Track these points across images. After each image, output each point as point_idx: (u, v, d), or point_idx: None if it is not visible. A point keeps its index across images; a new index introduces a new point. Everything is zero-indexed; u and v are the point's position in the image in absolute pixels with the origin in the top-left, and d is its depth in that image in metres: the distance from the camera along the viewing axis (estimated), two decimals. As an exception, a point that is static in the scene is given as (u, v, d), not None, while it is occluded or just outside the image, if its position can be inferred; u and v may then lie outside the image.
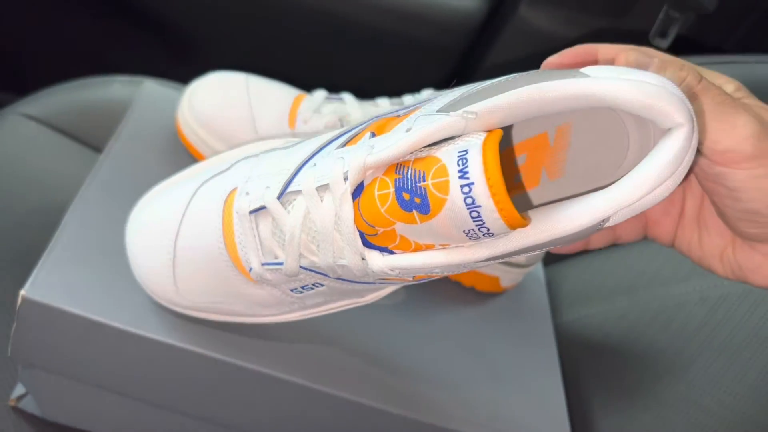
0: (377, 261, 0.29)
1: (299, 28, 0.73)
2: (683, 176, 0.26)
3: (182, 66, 0.70)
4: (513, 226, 0.26)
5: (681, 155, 0.25)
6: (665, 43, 0.59)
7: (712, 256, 0.33)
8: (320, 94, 0.46)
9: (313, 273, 0.32)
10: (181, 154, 0.46)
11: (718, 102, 0.28)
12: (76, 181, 0.44)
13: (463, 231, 0.26)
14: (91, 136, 0.59)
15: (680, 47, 0.63)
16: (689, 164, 0.26)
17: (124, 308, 0.36)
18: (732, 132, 0.28)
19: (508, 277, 0.48)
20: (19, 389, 0.41)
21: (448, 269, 0.29)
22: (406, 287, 0.44)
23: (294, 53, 0.75)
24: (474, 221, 0.26)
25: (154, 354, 0.36)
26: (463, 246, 0.28)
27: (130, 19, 0.76)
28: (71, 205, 0.39)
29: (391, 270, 0.29)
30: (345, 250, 0.29)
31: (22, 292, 0.34)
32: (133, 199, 0.38)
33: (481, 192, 0.25)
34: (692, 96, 0.28)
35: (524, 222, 0.26)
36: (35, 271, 0.35)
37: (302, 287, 0.33)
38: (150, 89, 0.51)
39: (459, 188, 0.25)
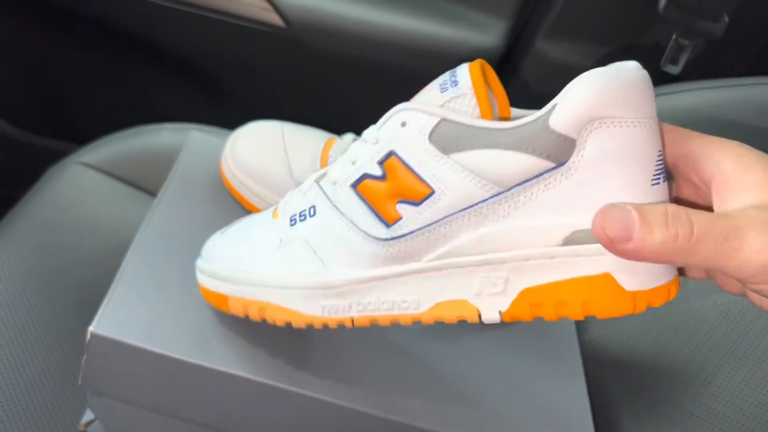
0: None
1: (328, 73, 0.78)
2: None
3: (224, 112, 0.75)
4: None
5: None
6: (676, 69, 0.61)
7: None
8: (349, 137, 0.50)
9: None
10: (226, 198, 0.51)
11: (721, 241, 0.27)
12: (133, 223, 0.49)
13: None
14: (144, 182, 0.64)
15: (691, 72, 0.65)
16: None
17: (184, 340, 0.39)
18: (750, 262, 0.27)
19: None
20: (88, 415, 0.45)
21: None
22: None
23: (325, 98, 0.79)
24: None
25: (213, 382, 0.39)
26: None
27: (177, 71, 0.82)
28: (131, 246, 0.44)
29: None
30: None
31: (91, 328, 0.38)
32: (186, 240, 0.42)
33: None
34: (690, 250, 0.28)
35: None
36: (101, 309, 0.39)
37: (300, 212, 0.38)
38: (196, 137, 0.56)
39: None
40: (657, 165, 0.31)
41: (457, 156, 0.33)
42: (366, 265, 0.36)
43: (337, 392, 0.40)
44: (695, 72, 0.64)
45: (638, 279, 0.32)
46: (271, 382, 0.39)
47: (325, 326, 0.37)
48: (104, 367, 0.40)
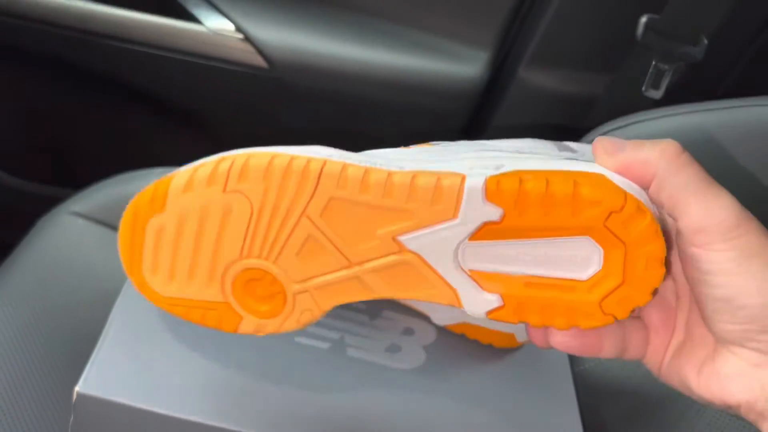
0: None
1: (313, 111, 0.79)
2: None
3: (213, 153, 0.76)
4: None
5: None
6: (658, 94, 0.62)
7: (691, 369, 0.31)
8: None
9: None
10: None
11: (701, 178, 0.28)
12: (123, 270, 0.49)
13: None
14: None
15: (673, 95, 0.65)
16: None
17: (171, 395, 0.39)
18: (710, 212, 0.28)
19: (522, 333, 0.50)
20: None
21: None
22: (426, 349, 0.47)
23: (311, 135, 0.80)
24: None
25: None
26: None
27: (166, 115, 0.83)
28: (116, 301, 0.44)
29: None
30: None
31: (77, 388, 0.38)
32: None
33: None
34: (674, 169, 0.29)
35: None
36: (87, 368, 0.39)
37: None
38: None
39: None
40: None
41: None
42: None
43: None
44: (678, 96, 0.64)
45: (629, 187, 0.31)
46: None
47: (289, 167, 0.33)
48: (92, 427, 0.40)
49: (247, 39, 0.73)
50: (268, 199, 0.33)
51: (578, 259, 0.32)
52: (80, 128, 0.85)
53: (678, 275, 0.33)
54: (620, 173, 0.30)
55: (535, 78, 0.73)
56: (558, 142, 0.36)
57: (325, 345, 0.45)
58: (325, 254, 0.34)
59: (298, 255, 0.34)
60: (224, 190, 0.33)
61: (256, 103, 0.78)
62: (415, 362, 0.47)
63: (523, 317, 0.33)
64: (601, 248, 0.31)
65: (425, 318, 0.49)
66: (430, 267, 0.33)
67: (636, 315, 0.34)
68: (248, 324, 0.37)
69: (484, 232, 0.32)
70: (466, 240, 0.32)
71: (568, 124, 0.73)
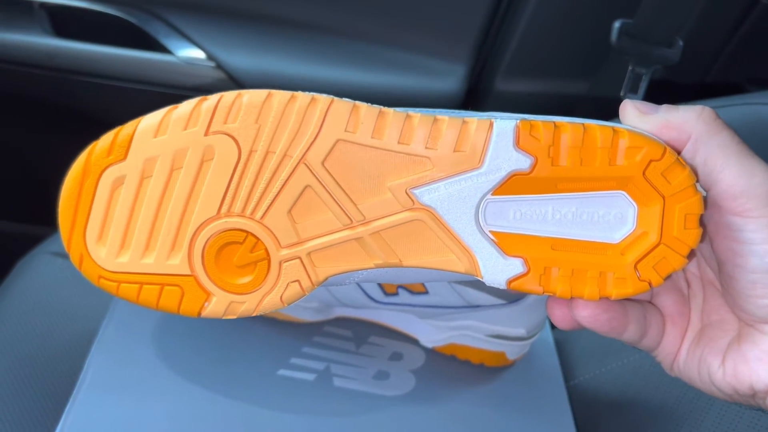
0: None
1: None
2: None
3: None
4: None
5: None
6: (637, 98, 0.61)
7: (714, 358, 0.30)
8: None
9: None
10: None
11: (738, 141, 0.27)
12: (104, 308, 0.48)
13: None
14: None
15: (654, 97, 0.65)
16: None
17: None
18: (751, 175, 0.27)
19: (513, 351, 0.49)
20: None
21: None
22: (415, 373, 0.46)
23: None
24: None
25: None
26: None
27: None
28: (93, 344, 0.43)
29: None
30: None
31: (53, 438, 0.37)
32: (150, 333, 0.41)
33: None
34: (712, 131, 0.27)
35: None
36: (64, 416, 0.38)
37: None
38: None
39: None
40: None
41: None
42: None
43: None
44: (657, 98, 0.63)
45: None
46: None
47: (288, 106, 0.29)
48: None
49: (219, 67, 0.73)
50: (261, 141, 0.28)
51: (611, 218, 0.29)
52: (56, 165, 0.84)
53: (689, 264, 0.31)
54: (654, 132, 0.28)
55: (513, 88, 0.73)
56: None
57: (310, 377, 0.44)
58: (324, 211, 0.29)
59: (290, 212, 0.29)
60: (207, 132, 0.28)
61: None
62: (404, 388, 0.46)
63: (548, 287, 0.30)
64: (636, 204, 0.29)
65: (413, 341, 0.49)
66: (445, 227, 0.29)
67: (649, 300, 0.33)
68: (218, 303, 0.30)
69: (511, 184, 0.29)
70: (490, 194, 0.29)
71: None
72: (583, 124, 0.28)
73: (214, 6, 0.73)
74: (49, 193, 0.88)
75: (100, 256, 0.30)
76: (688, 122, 0.28)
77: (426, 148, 0.28)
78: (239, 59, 0.73)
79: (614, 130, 0.28)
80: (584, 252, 0.29)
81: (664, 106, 0.29)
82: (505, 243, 0.30)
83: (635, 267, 0.29)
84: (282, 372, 0.43)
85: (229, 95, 0.28)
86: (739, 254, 0.27)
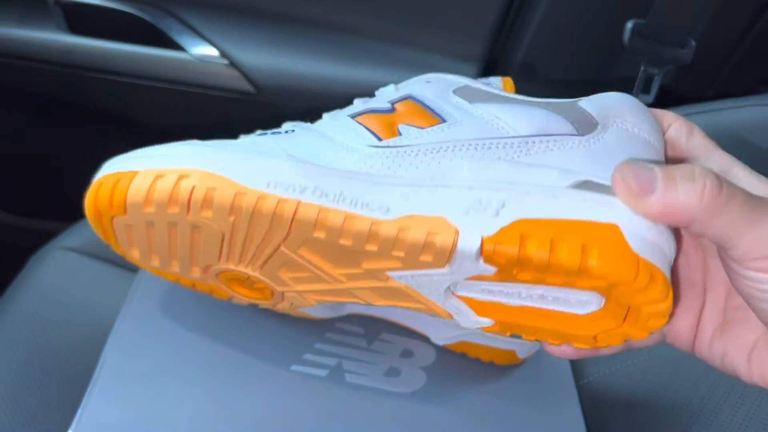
0: None
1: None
2: None
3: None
4: None
5: None
6: (649, 98, 0.61)
7: (738, 354, 0.30)
8: None
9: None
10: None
11: (748, 208, 0.26)
12: (118, 302, 0.48)
13: None
14: (125, 259, 0.64)
15: (665, 99, 0.65)
16: None
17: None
18: (766, 242, 0.25)
19: (523, 349, 0.50)
20: None
21: None
22: (426, 370, 0.47)
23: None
24: None
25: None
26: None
27: (155, 143, 0.83)
28: (108, 338, 0.43)
29: None
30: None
31: (69, 431, 0.38)
32: (168, 325, 0.42)
33: None
34: (717, 210, 0.26)
35: None
36: (80, 411, 0.39)
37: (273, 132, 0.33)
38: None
39: None
40: None
41: (479, 105, 0.32)
42: (338, 162, 0.30)
43: None
44: (669, 100, 0.64)
45: (646, 247, 0.27)
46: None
47: (257, 209, 0.29)
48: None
49: (233, 64, 0.73)
50: (238, 230, 0.30)
51: (578, 301, 0.30)
52: (69, 161, 0.85)
53: (712, 268, 0.31)
54: (650, 219, 0.27)
55: (524, 88, 0.73)
56: (575, 105, 0.33)
57: (323, 372, 0.44)
58: (309, 273, 0.32)
59: (280, 270, 0.32)
60: (188, 214, 0.29)
61: (245, 127, 0.78)
62: (415, 385, 0.46)
63: (515, 333, 0.33)
64: (604, 298, 0.30)
65: (424, 338, 0.49)
66: (420, 295, 0.32)
67: None
68: (240, 299, 0.36)
69: (478, 277, 0.29)
70: (461, 280, 0.30)
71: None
72: (551, 237, 0.27)
73: (228, 3, 0.74)
74: (63, 188, 0.89)
75: (135, 257, 0.34)
76: (689, 208, 0.26)
77: (393, 251, 0.29)
78: (252, 56, 0.73)
79: (583, 250, 0.27)
80: (551, 318, 0.31)
81: (661, 184, 0.26)
82: (477, 307, 0.32)
83: (595, 337, 0.31)
84: (295, 367, 0.43)
85: (200, 184, 0.28)
86: (758, 299, 0.27)
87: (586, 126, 0.30)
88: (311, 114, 0.75)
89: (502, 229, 0.27)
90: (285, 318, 0.47)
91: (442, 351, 0.49)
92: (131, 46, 0.73)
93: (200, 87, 0.74)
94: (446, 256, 0.28)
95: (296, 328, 0.46)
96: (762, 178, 0.29)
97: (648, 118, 0.31)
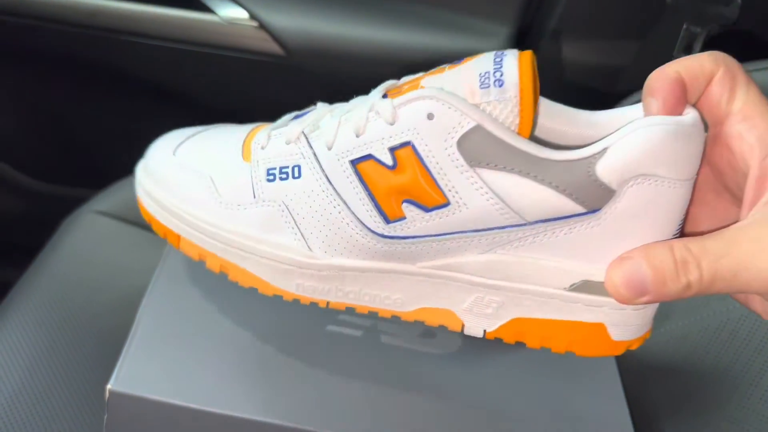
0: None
1: (332, 97, 0.76)
2: None
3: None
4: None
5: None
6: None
7: None
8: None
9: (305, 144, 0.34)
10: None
11: (731, 279, 0.27)
12: (151, 267, 0.48)
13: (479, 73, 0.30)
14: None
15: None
16: None
17: (204, 390, 0.38)
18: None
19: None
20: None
21: None
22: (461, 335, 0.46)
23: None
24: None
25: (238, 430, 0.38)
26: None
27: (185, 108, 0.82)
28: (144, 297, 0.43)
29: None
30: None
31: (109, 386, 0.38)
32: (200, 284, 0.42)
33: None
34: (704, 291, 0.28)
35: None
36: (118, 365, 0.39)
37: (281, 168, 0.34)
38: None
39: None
40: (681, 220, 0.31)
41: (484, 172, 0.30)
42: (355, 255, 0.34)
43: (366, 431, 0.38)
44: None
45: (628, 332, 0.33)
46: (295, 425, 0.38)
47: (296, 301, 0.37)
48: (126, 425, 0.39)
49: (262, 27, 0.72)
50: None
51: None
52: (98, 126, 0.85)
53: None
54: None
55: (559, 51, 0.71)
56: (592, 168, 0.30)
57: (357, 332, 0.43)
58: None
59: None
60: None
61: (275, 91, 0.77)
62: (450, 347, 0.45)
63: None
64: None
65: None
66: None
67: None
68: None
69: None
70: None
71: (595, 92, 0.71)
72: (542, 336, 0.35)
73: (256, -35, 0.72)
74: (92, 154, 0.89)
75: None
76: (686, 295, 0.28)
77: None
78: (282, 19, 0.72)
79: (569, 346, 0.34)
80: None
81: (651, 288, 0.28)
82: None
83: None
84: (330, 327, 0.43)
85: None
86: None
87: (597, 199, 0.30)
88: (340, 77, 0.74)
89: (500, 327, 0.34)
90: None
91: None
92: (159, 8, 0.72)
93: (229, 50, 0.73)
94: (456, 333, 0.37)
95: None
96: None
97: (678, 152, 0.28)
